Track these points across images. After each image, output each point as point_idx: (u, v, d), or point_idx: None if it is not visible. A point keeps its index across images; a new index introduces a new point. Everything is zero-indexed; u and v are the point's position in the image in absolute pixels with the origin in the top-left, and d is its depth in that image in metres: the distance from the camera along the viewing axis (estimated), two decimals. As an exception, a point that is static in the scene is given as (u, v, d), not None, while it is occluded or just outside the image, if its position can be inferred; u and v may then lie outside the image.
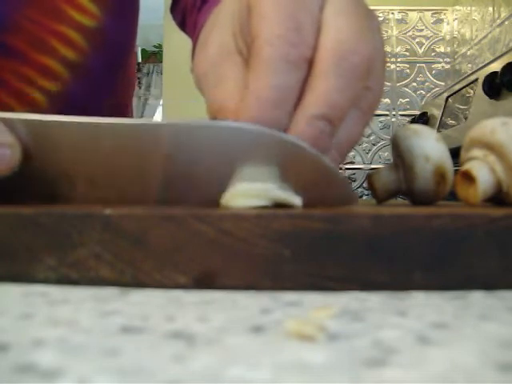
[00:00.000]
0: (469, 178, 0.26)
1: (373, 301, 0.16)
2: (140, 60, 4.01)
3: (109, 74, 0.45)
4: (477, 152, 0.27)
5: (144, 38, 3.70)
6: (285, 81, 0.22)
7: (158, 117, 4.00)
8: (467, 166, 0.27)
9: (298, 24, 0.23)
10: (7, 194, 0.24)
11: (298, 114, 0.23)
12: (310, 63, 0.23)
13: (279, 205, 0.21)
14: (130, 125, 0.22)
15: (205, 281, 0.18)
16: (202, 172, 0.23)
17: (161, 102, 3.33)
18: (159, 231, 0.18)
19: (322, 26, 0.23)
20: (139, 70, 4.07)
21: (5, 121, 0.23)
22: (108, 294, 0.17)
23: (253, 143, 0.22)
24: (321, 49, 0.23)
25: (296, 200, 0.21)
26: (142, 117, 3.98)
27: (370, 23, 0.24)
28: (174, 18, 0.53)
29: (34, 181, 0.24)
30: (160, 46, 3.39)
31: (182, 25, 0.51)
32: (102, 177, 0.24)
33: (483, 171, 0.26)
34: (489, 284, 0.18)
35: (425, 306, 0.16)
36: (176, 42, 2.02)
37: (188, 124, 0.22)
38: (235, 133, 0.22)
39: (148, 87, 4.12)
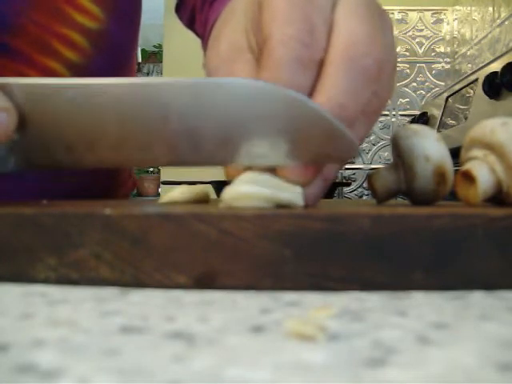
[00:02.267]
0: (469, 177, 0.26)
1: (373, 301, 0.16)
2: (140, 60, 4.01)
3: (111, 75, 0.45)
4: (477, 152, 0.27)
5: (144, 38, 3.70)
6: (296, 81, 0.22)
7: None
8: (467, 166, 0.27)
9: (310, 25, 0.23)
10: (4, 161, 0.24)
11: None
12: (321, 64, 0.23)
13: (280, 205, 0.21)
14: (134, 84, 0.22)
15: (205, 281, 0.18)
16: (210, 131, 0.22)
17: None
18: (159, 231, 0.18)
19: (334, 26, 0.23)
20: (139, 70, 4.07)
21: (1, 86, 0.22)
22: (108, 294, 0.17)
23: (262, 99, 0.21)
24: (332, 50, 0.23)
25: (298, 202, 0.21)
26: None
27: (382, 24, 0.24)
28: (181, 17, 0.53)
29: (30, 145, 0.24)
30: (160, 46, 3.39)
31: (191, 23, 0.51)
32: (102, 140, 0.23)
33: (483, 171, 0.26)
34: (489, 284, 0.18)
35: (425, 306, 0.16)
36: (176, 42, 2.02)
37: (196, 82, 0.22)
38: (243, 90, 0.21)
39: (148, 87, 4.11)
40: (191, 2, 0.49)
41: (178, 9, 0.53)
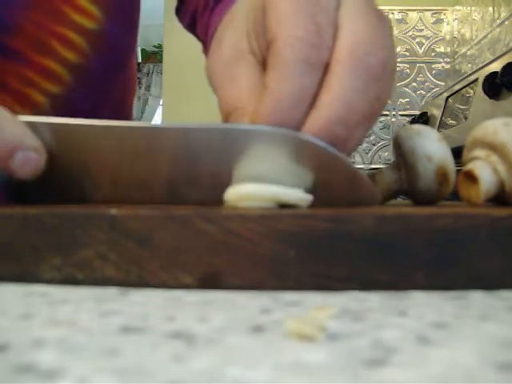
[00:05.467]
0: (471, 177, 0.26)
1: (373, 301, 0.16)
2: (140, 60, 4.01)
3: (110, 75, 0.45)
4: (479, 152, 0.27)
5: (144, 38, 3.71)
6: (304, 82, 0.22)
7: (157, 117, 4.00)
8: (470, 166, 0.27)
9: (317, 26, 0.23)
10: (33, 197, 0.25)
11: (314, 114, 0.23)
12: (326, 64, 0.23)
13: (284, 205, 0.21)
14: (155, 128, 0.23)
15: (210, 280, 0.18)
16: (220, 173, 0.23)
17: (161, 102, 3.33)
18: (165, 231, 0.18)
19: (338, 27, 0.23)
20: (139, 70, 4.07)
21: (29, 124, 0.23)
22: (108, 294, 0.17)
23: (270, 145, 0.22)
24: (337, 50, 0.23)
25: (302, 201, 0.21)
26: (141, 117, 3.98)
27: (383, 25, 0.24)
28: (181, 20, 0.53)
29: (58, 183, 0.25)
30: (160, 46, 3.39)
31: (192, 27, 0.51)
32: (125, 177, 0.24)
33: (486, 171, 0.26)
34: (491, 284, 0.18)
35: (425, 306, 0.16)
36: (176, 42, 2.02)
37: (208, 127, 0.23)
38: (251, 135, 0.22)
39: (148, 87, 4.12)
40: (192, 5, 0.49)
41: (179, 11, 0.53)
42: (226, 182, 0.23)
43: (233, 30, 0.27)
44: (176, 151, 0.23)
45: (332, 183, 0.23)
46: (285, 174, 0.22)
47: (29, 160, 0.23)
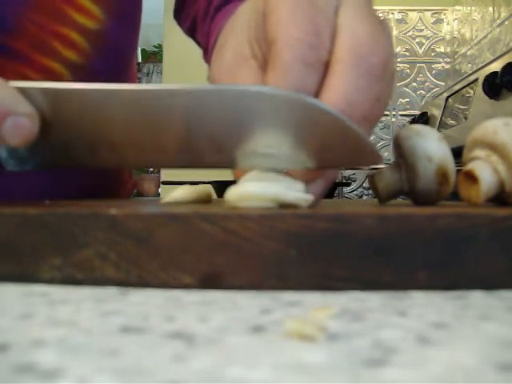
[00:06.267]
0: (471, 177, 0.26)
1: (373, 301, 0.16)
2: (140, 60, 4.01)
3: (111, 75, 0.45)
4: (479, 152, 0.27)
5: (144, 38, 3.70)
6: (303, 82, 0.23)
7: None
8: (470, 166, 0.27)
9: (315, 27, 0.23)
10: (29, 163, 0.24)
11: None
12: (327, 65, 0.23)
13: (285, 205, 0.21)
14: (151, 90, 0.22)
15: (210, 281, 0.18)
16: (222, 135, 0.23)
17: (161, 102, 3.32)
18: (165, 231, 0.18)
19: (338, 28, 0.24)
20: (139, 70, 4.06)
21: (22, 90, 0.22)
22: (108, 294, 0.17)
23: (275, 106, 0.22)
24: (338, 50, 0.23)
25: (303, 201, 0.21)
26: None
27: (383, 27, 0.25)
28: (181, 24, 0.53)
29: (54, 148, 0.24)
30: (160, 46, 3.39)
31: (191, 31, 0.51)
32: (121, 141, 0.23)
33: (486, 171, 0.26)
34: (491, 284, 0.18)
35: (425, 306, 0.16)
36: (176, 42, 2.01)
37: (209, 88, 0.22)
38: (258, 96, 0.22)
39: (148, 87, 4.11)
40: (193, 10, 0.49)
41: (178, 15, 0.53)
42: (235, 143, 0.23)
43: (234, 36, 0.27)
44: (169, 112, 0.22)
45: (336, 145, 0.22)
46: (289, 135, 0.22)
47: (20, 126, 0.22)
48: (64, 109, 0.23)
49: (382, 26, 0.25)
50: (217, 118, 0.22)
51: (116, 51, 0.46)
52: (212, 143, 0.23)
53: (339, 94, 0.23)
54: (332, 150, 0.22)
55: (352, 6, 0.24)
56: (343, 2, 0.24)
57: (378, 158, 0.23)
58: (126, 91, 0.22)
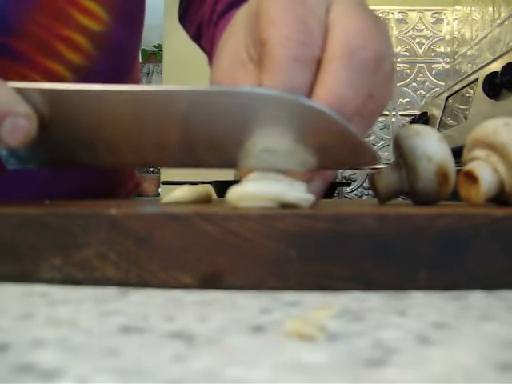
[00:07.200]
0: (471, 178, 0.26)
1: (373, 301, 0.16)
2: (140, 60, 4.01)
3: (115, 77, 0.45)
4: (479, 152, 0.27)
5: (144, 38, 3.70)
6: (295, 80, 0.23)
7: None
8: (470, 166, 0.27)
9: (306, 26, 0.23)
10: (29, 161, 0.24)
11: None
12: (319, 63, 0.24)
13: (285, 205, 0.21)
14: (150, 91, 0.22)
15: (210, 281, 0.18)
16: (220, 136, 0.23)
17: (161, 102, 3.32)
18: (164, 231, 0.18)
19: (330, 26, 0.24)
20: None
21: (20, 91, 0.22)
22: (108, 294, 0.17)
23: (272, 107, 0.22)
24: (330, 47, 0.23)
25: (303, 201, 0.21)
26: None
27: (377, 24, 0.25)
28: (187, 29, 0.53)
29: (52, 149, 0.24)
30: (160, 46, 3.39)
31: (197, 37, 0.51)
32: (120, 142, 0.24)
33: (486, 171, 0.26)
34: (491, 284, 0.18)
35: (425, 306, 0.16)
36: (176, 42, 2.01)
37: (207, 89, 0.22)
38: (255, 98, 0.22)
39: (148, 87, 4.12)
40: (198, 16, 0.49)
41: (183, 20, 0.53)
42: (233, 144, 0.23)
43: (231, 41, 0.28)
44: (168, 113, 0.22)
45: (331, 146, 0.23)
46: (286, 136, 0.22)
47: (18, 127, 0.22)
48: (62, 109, 0.23)
49: (376, 21, 0.25)
50: (215, 118, 0.22)
51: (120, 53, 0.46)
52: (211, 143, 0.23)
53: (331, 89, 0.23)
54: (327, 151, 0.23)
55: (343, 2, 0.25)
56: (335, 0, 0.25)
57: (373, 158, 0.23)
58: (126, 92, 0.22)
